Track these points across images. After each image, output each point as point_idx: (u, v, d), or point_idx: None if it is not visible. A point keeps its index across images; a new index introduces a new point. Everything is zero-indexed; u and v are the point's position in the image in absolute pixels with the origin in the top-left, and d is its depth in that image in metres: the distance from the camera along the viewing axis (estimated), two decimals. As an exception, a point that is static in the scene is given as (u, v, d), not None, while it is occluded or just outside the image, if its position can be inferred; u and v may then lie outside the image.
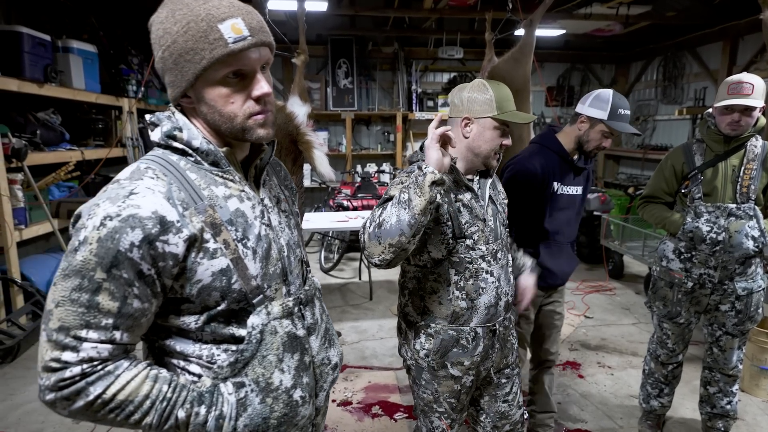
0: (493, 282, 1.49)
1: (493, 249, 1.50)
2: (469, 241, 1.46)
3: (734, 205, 2.06)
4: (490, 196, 1.53)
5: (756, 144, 2.07)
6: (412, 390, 1.63)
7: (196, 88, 0.85)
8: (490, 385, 1.61)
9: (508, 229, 1.59)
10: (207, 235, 0.84)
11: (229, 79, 0.84)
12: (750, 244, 2.03)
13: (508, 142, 1.47)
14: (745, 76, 1.98)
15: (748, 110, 1.97)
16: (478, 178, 1.53)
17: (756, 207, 2.06)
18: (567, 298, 4.30)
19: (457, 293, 1.47)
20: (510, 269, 1.60)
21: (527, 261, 1.76)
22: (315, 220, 4.29)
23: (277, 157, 2.34)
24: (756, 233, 2.03)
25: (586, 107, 1.92)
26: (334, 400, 2.74)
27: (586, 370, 3.11)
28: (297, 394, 0.94)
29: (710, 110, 2.13)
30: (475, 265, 1.47)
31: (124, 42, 5.89)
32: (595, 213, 5.15)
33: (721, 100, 2.02)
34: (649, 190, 2.33)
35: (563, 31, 5.91)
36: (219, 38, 0.80)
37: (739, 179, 2.06)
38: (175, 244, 0.81)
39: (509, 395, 1.64)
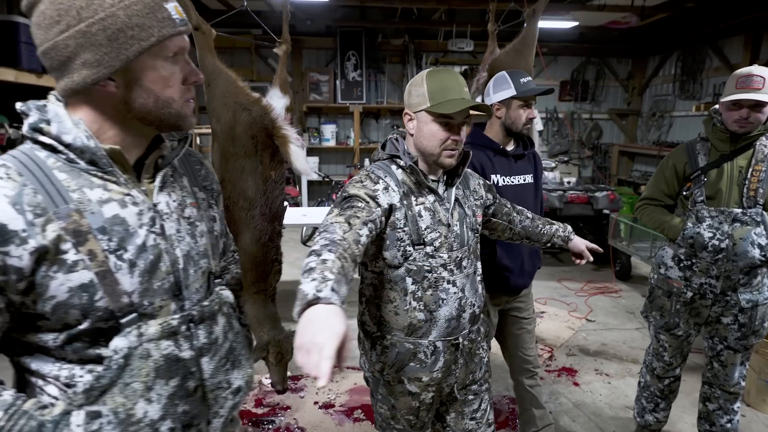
0: (455, 293, 1.35)
1: (457, 257, 1.35)
2: (429, 248, 1.32)
3: (740, 210, 1.86)
4: (457, 199, 1.39)
5: (766, 143, 1.87)
6: (372, 403, 1.50)
7: (131, 70, 0.76)
8: (456, 401, 1.48)
9: (477, 234, 1.44)
10: (65, 245, 0.72)
11: (168, 61, 0.78)
12: (756, 252, 1.84)
13: (456, 137, 1.30)
14: (755, 69, 1.78)
15: (758, 106, 1.77)
16: (444, 178, 1.39)
17: (764, 213, 1.86)
18: (570, 300, 4.11)
19: (414, 304, 1.33)
20: (478, 277, 1.45)
21: (560, 228, 1.69)
22: (317, 215, 4.18)
23: (253, 151, 2.24)
24: (763, 241, 1.84)
25: (493, 96, 1.90)
26: (316, 402, 2.64)
27: (582, 377, 2.94)
28: (165, 427, 0.81)
29: (717, 106, 1.94)
30: (435, 274, 1.32)
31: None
32: (603, 212, 4.93)
33: (728, 94, 1.82)
34: (648, 192, 2.14)
35: (576, 23, 5.65)
36: (168, 17, 0.77)
37: (747, 182, 1.86)
38: (19, 257, 0.69)
39: (477, 412, 1.50)
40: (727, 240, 1.86)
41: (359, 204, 1.22)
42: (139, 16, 0.74)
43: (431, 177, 1.37)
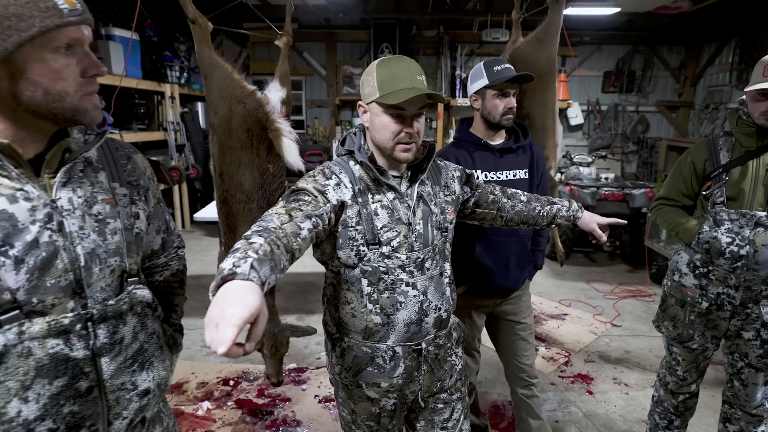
0: (415, 296, 1.26)
1: (419, 258, 1.26)
2: (385, 249, 1.23)
3: (764, 213, 1.65)
4: (421, 196, 1.29)
5: (798, 139, 1.64)
6: (336, 405, 1.45)
7: (13, 62, 0.73)
8: (425, 409, 1.39)
9: (446, 233, 1.34)
10: None
11: (60, 54, 0.75)
12: (782, 262, 1.62)
13: (410, 129, 1.20)
14: (787, 54, 1.56)
15: None
16: (408, 174, 1.30)
17: (794, 217, 1.64)
18: (596, 303, 3.89)
19: (370, 306, 1.26)
20: (447, 279, 1.35)
21: (563, 207, 1.57)
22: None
23: (249, 144, 2.22)
24: (791, 249, 1.62)
25: (470, 88, 1.82)
26: (316, 396, 2.62)
27: (597, 386, 2.75)
28: (44, 427, 0.78)
29: (744, 97, 1.72)
30: (392, 276, 1.24)
31: (173, 29, 6.04)
32: (641, 210, 4.61)
33: (755, 82, 1.61)
34: (664, 191, 1.94)
35: (617, 10, 5.28)
36: (53, 7, 0.73)
37: (774, 182, 1.64)
38: None
39: (449, 422, 1.41)
40: (748, 246, 1.65)
41: (305, 197, 1.15)
42: (16, 6, 0.71)
43: (393, 173, 1.29)
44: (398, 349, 1.28)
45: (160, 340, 1.01)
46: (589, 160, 5.47)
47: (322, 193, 1.19)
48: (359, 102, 1.27)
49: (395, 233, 1.24)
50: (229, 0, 2.93)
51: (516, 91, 1.80)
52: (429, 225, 1.29)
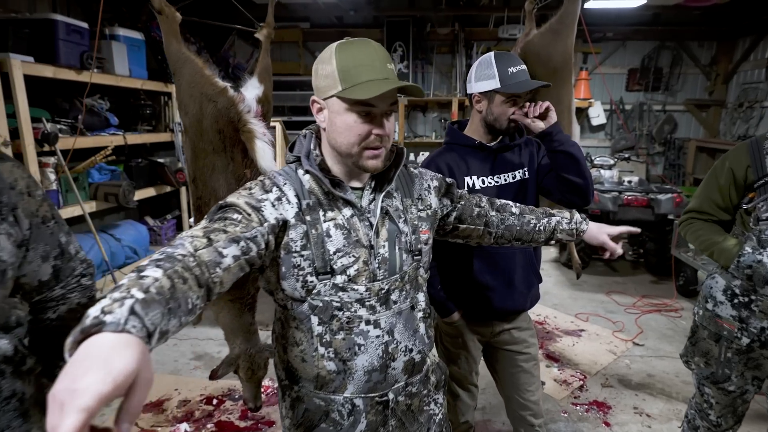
0: (377, 336, 1.01)
1: (382, 289, 1.00)
2: (339, 279, 0.98)
3: (823, 234, 1.33)
4: (386, 212, 1.03)
5: None
6: None
7: None
8: None
9: (419, 257, 1.08)
10: None
11: None
12: None
13: (380, 130, 0.95)
14: None
15: None
16: (372, 185, 1.04)
17: None
18: (617, 317, 3.54)
19: (321, 350, 1.01)
20: (421, 313, 1.09)
21: (563, 219, 1.29)
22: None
23: (222, 147, 2.00)
24: None
25: (474, 84, 1.54)
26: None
27: (615, 416, 2.43)
28: None
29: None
30: (348, 313, 0.99)
31: (182, 30, 5.90)
32: (667, 217, 4.23)
33: None
34: (696, 203, 1.63)
35: (643, 2, 4.88)
36: None
37: (836, 195, 1.32)
38: None
39: (426, 487, 1.14)
40: (802, 274, 1.33)
41: (234, 216, 0.90)
42: None
43: (354, 184, 1.03)
44: (358, 402, 1.03)
45: (24, 405, 0.77)
46: (611, 162, 5.08)
47: (257, 210, 0.93)
48: (312, 98, 1.01)
49: (352, 259, 0.98)
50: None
51: (529, 96, 1.55)
52: (396, 247, 1.03)
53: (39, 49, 3.57)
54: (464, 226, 1.21)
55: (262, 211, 0.94)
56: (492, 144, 1.57)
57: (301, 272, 0.98)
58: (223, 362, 2.08)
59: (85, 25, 3.95)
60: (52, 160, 3.63)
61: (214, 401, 2.50)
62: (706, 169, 6.54)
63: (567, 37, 2.76)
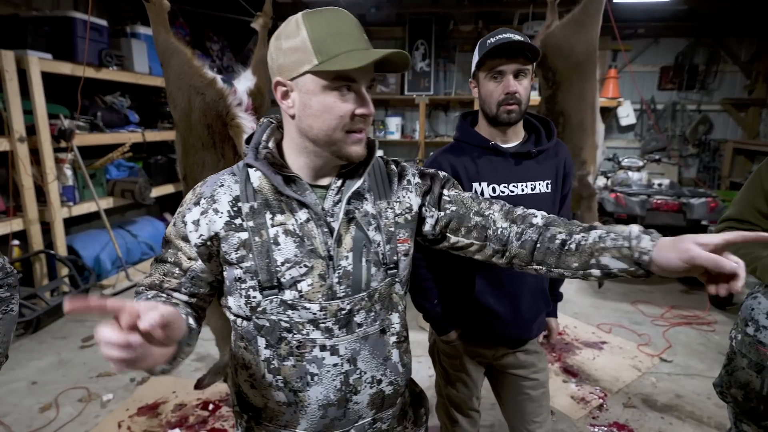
0: (335, 365, 0.83)
1: (342, 309, 0.83)
2: (288, 294, 0.81)
3: None
4: (351, 216, 0.85)
5: None
6: None
7: None
8: None
9: (394, 270, 0.88)
10: None
11: None
12: None
13: (364, 109, 0.78)
14: None
15: None
16: (339, 183, 0.86)
17: None
18: (643, 329, 3.25)
19: (270, 378, 0.84)
20: (394, 338, 0.90)
21: (619, 237, 0.81)
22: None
23: (211, 143, 1.86)
24: None
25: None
26: None
27: (638, 442, 2.18)
28: None
29: None
30: (299, 335, 0.82)
31: (206, 29, 5.86)
32: (701, 223, 3.89)
33: None
34: (735, 210, 1.39)
35: (678, -6, 4.52)
36: None
37: None
38: None
39: None
40: None
41: (170, 258, 0.86)
42: None
43: (321, 182, 0.86)
44: None
45: None
46: (640, 164, 4.75)
47: (185, 239, 0.83)
48: (275, 80, 0.82)
49: (303, 270, 0.81)
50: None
51: (524, 70, 1.24)
52: (363, 260, 0.84)
53: (58, 46, 3.54)
54: (456, 238, 0.93)
55: (189, 239, 0.83)
56: (509, 147, 1.33)
57: (243, 286, 0.82)
58: (210, 371, 1.95)
59: (104, 22, 3.92)
60: (68, 156, 3.60)
61: (210, 406, 2.38)
62: (744, 172, 6.08)
63: (591, 29, 2.51)
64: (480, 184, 1.29)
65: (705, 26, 5.90)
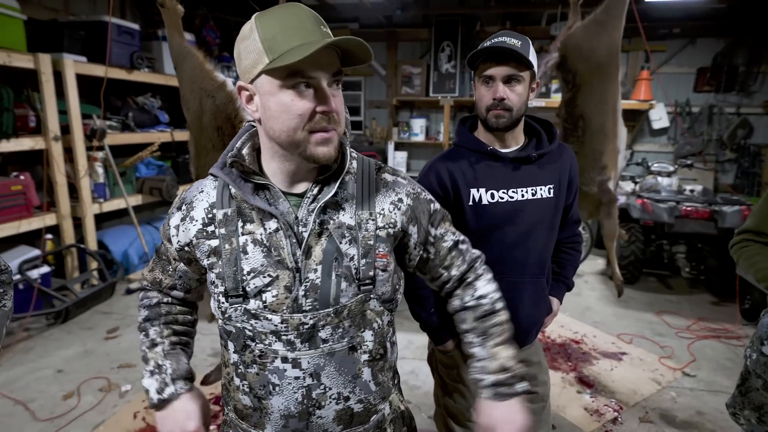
0: (297, 378, 0.82)
1: (305, 323, 0.81)
2: (253, 303, 0.81)
3: None
4: (324, 227, 0.83)
5: None
6: None
7: None
8: None
9: (369, 286, 0.85)
10: None
11: None
12: None
13: (324, 106, 0.75)
14: None
15: None
16: (315, 190, 0.84)
17: None
18: (666, 341, 3.12)
19: (237, 381, 0.86)
20: (366, 356, 0.87)
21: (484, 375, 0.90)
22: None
23: (221, 145, 1.89)
24: None
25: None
26: None
27: (652, 459, 2.09)
28: None
29: None
30: (262, 345, 0.82)
31: (234, 32, 6.00)
32: (734, 231, 3.69)
33: None
34: (753, 222, 1.31)
35: (715, -8, 4.31)
36: None
37: None
38: None
39: None
40: None
41: (164, 257, 0.96)
42: None
43: (298, 189, 0.84)
44: None
45: None
46: (671, 169, 4.55)
47: (170, 240, 0.89)
48: (238, 84, 0.82)
49: (268, 280, 0.80)
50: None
51: (515, 76, 1.20)
52: (333, 274, 0.81)
53: (92, 49, 3.69)
54: (420, 276, 0.99)
55: (171, 242, 0.90)
56: (508, 152, 1.29)
57: (215, 290, 0.83)
58: (217, 367, 1.98)
59: (136, 26, 4.06)
60: (100, 154, 3.75)
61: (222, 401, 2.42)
62: (786, 178, 5.75)
63: (614, 30, 2.43)
64: (478, 190, 1.26)
65: (746, 25, 5.61)
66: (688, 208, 3.71)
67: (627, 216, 4.01)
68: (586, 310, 3.67)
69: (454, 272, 0.96)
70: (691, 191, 4.33)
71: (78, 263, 3.67)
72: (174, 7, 1.78)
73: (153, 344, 0.92)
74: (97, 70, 3.67)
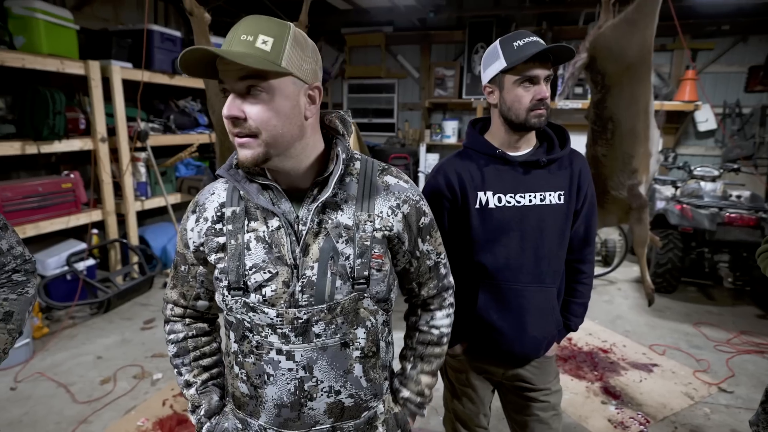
0: (289, 369, 0.86)
1: (299, 318, 0.84)
2: (252, 297, 0.85)
3: None
4: (322, 226, 0.86)
5: None
6: None
7: None
8: None
9: (363, 285, 0.87)
10: None
11: None
12: None
13: (226, 111, 0.77)
14: None
15: None
16: (315, 190, 0.87)
17: None
18: (702, 354, 2.97)
19: (236, 370, 0.90)
20: (358, 353, 0.90)
21: (408, 392, 1.03)
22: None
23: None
24: None
25: (484, 77, 1.28)
26: None
27: (678, 476, 1.99)
28: None
29: None
30: (258, 337, 0.86)
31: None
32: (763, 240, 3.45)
33: None
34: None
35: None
36: None
37: None
38: None
39: None
40: None
41: (182, 268, 0.97)
42: None
43: (298, 189, 0.88)
44: None
45: None
46: (715, 173, 4.31)
47: (187, 245, 0.92)
48: None
49: (267, 275, 0.84)
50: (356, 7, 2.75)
51: (550, 75, 1.20)
52: (329, 272, 0.84)
53: (138, 55, 3.90)
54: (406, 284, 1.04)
55: (189, 246, 0.93)
56: (517, 155, 1.27)
57: (220, 284, 0.88)
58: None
59: (178, 33, 4.25)
60: (143, 155, 3.95)
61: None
62: None
63: (645, 28, 2.34)
64: (485, 193, 1.25)
65: (805, 21, 5.23)
66: (733, 215, 3.51)
67: (664, 222, 3.83)
68: (617, 318, 3.53)
69: (424, 292, 1.02)
70: (738, 197, 4.08)
71: (120, 257, 3.88)
72: (201, 15, 1.87)
73: (187, 384, 0.98)
74: (141, 76, 3.88)
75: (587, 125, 2.63)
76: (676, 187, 4.45)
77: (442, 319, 1.04)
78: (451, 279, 1.07)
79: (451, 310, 1.07)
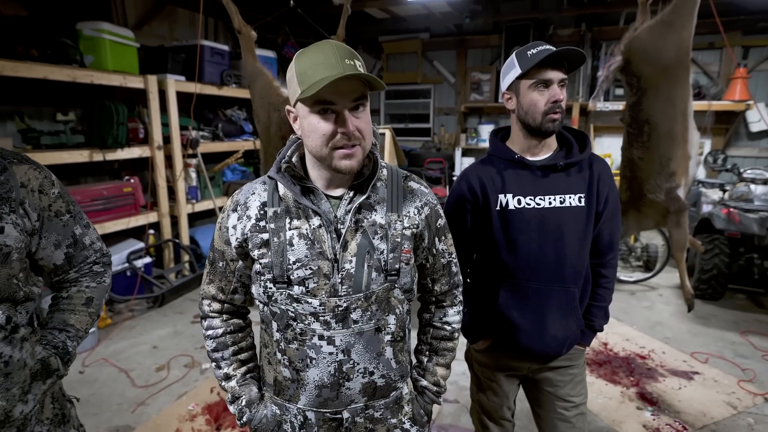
0: (330, 353, 0.95)
1: (339, 306, 0.94)
2: (296, 289, 0.95)
3: None
4: (360, 225, 0.96)
5: None
6: None
7: None
8: None
9: (395, 276, 0.97)
10: None
11: None
12: None
13: (345, 128, 0.87)
14: None
15: None
16: (351, 194, 0.97)
17: None
18: (748, 364, 2.85)
19: (279, 356, 1.00)
20: (389, 337, 0.99)
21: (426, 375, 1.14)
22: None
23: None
24: None
25: (502, 84, 1.33)
26: None
27: (716, 485, 1.93)
28: None
29: None
30: (302, 325, 0.96)
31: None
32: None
33: None
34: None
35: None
36: None
37: None
38: None
39: None
40: None
41: (220, 264, 1.03)
42: None
43: (335, 192, 0.98)
44: (310, 415, 0.99)
45: (9, 366, 0.89)
46: (767, 175, 4.09)
47: (227, 242, 1.00)
48: (287, 107, 0.99)
49: (309, 271, 0.94)
50: (277, 9, 2.90)
51: (565, 80, 1.24)
52: (366, 264, 0.95)
53: (190, 69, 4.16)
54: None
55: (230, 242, 0.99)
56: (536, 160, 1.31)
57: (262, 278, 0.97)
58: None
59: (226, 47, 4.50)
60: (194, 161, 4.21)
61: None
62: None
63: (682, 29, 2.29)
64: (505, 196, 1.30)
65: None
66: (784, 220, 3.33)
67: (709, 226, 3.68)
68: (657, 324, 3.42)
69: (437, 288, 1.11)
70: (792, 201, 3.86)
71: (173, 256, 4.15)
72: (248, 33, 2.01)
73: (227, 377, 1.05)
74: (193, 88, 4.13)
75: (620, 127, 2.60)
76: (724, 191, 4.26)
77: (454, 316, 1.13)
78: (461, 277, 1.15)
79: (462, 307, 1.15)
